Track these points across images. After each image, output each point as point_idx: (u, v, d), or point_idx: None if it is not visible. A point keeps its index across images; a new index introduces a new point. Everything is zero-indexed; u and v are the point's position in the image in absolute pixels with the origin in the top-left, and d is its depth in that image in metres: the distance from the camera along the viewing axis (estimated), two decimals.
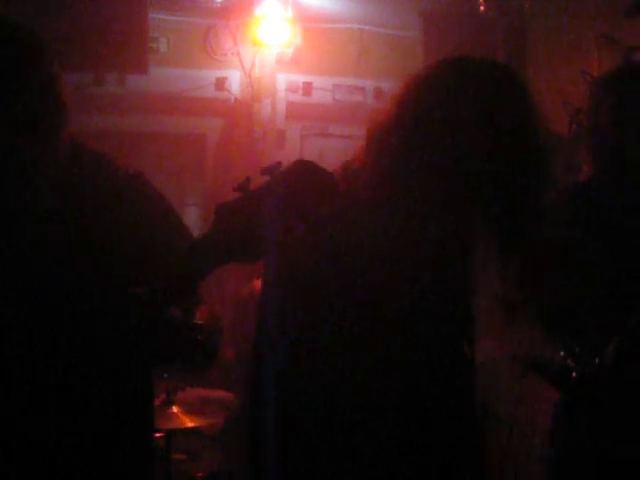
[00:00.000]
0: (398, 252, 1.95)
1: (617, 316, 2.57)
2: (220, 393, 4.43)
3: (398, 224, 1.97)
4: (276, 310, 2.00)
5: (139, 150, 5.67)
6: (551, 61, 5.37)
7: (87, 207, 2.21)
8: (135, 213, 2.29)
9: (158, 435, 3.89)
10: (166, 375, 3.77)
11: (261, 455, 2.05)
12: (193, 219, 5.83)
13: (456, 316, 2.08)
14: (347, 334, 1.97)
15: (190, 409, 4.04)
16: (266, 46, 6.11)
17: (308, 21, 6.21)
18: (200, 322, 2.27)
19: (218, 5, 6.03)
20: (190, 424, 3.96)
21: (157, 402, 3.94)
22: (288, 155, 6.08)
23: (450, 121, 2.00)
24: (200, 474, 4.40)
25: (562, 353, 2.56)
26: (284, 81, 6.32)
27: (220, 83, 6.17)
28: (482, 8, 5.72)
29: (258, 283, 3.65)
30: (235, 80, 6.22)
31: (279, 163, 1.90)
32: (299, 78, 6.34)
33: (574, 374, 2.53)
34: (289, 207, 1.87)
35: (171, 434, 3.98)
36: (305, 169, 1.92)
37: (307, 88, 6.33)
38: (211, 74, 6.16)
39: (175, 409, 4.00)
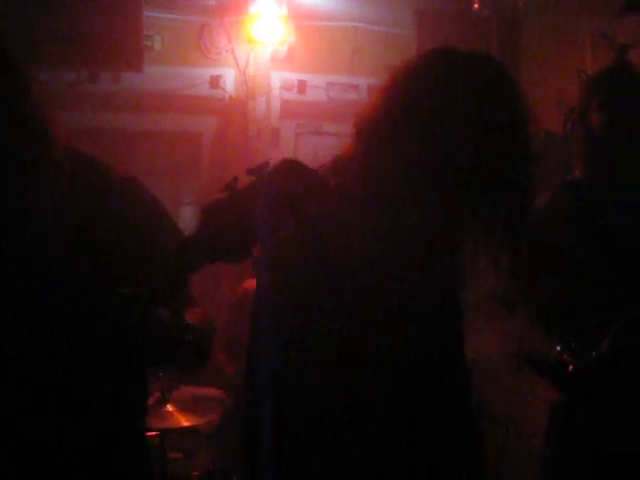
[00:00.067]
0: (386, 251, 1.95)
1: (612, 313, 2.57)
2: (214, 391, 4.44)
3: (386, 221, 1.96)
4: (269, 311, 2.00)
5: (134, 148, 5.67)
6: (545, 59, 5.38)
7: (82, 209, 2.21)
8: (128, 216, 2.29)
9: (153, 434, 3.90)
10: (161, 374, 3.78)
11: (255, 455, 2.05)
12: (188, 218, 5.83)
13: (445, 313, 2.08)
14: (336, 334, 1.97)
15: (184, 407, 4.04)
16: (260, 44, 6.10)
17: (302, 19, 6.20)
18: (191, 322, 2.27)
19: (213, 3, 6.02)
20: (185, 423, 3.97)
21: (152, 401, 3.95)
22: (282, 153, 6.08)
23: (438, 114, 2.00)
24: (196, 473, 4.40)
25: (558, 348, 2.57)
26: (278, 79, 6.32)
27: (215, 81, 6.17)
28: (476, 6, 5.72)
29: (252, 283, 3.66)
30: (230, 78, 6.21)
31: (267, 163, 1.90)
32: (293, 76, 6.33)
33: (570, 368, 2.53)
34: (277, 207, 1.87)
35: (166, 433, 3.98)
36: (292, 168, 1.92)
37: (301, 86, 6.32)
38: (206, 72, 6.15)
39: (170, 408, 4.01)
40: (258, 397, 2.00)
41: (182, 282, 2.26)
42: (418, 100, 2.01)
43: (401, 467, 2.00)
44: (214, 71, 6.17)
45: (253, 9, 6.00)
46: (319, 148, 6.07)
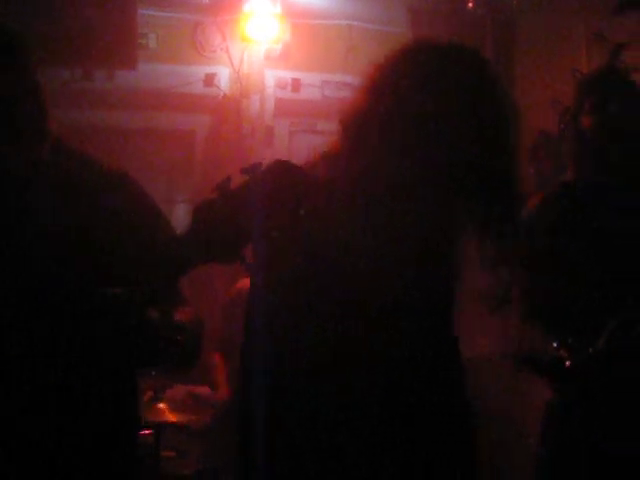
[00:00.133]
0: (379, 247, 1.95)
1: (606, 314, 2.57)
2: (208, 390, 4.44)
3: (377, 218, 1.96)
4: (262, 310, 2.00)
5: (127, 146, 5.65)
6: (540, 58, 5.38)
7: (75, 207, 2.20)
8: (121, 213, 2.28)
9: (147, 432, 3.89)
10: (154, 373, 3.77)
11: (250, 454, 2.04)
12: (182, 216, 5.82)
13: (439, 310, 2.08)
14: (330, 332, 1.97)
15: (177, 406, 4.04)
16: (255, 42, 6.09)
17: (297, 17, 6.19)
18: (181, 322, 2.27)
19: (207, 1, 6.01)
20: (176, 419, 3.97)
21: (145, 399, 3.95)
22: (276, 151, 6.07)
23: (421, 108, 2.00)
24: (189, 471, 4.40)
25: (555, 344, 2.57)
26: (273, 77, 6.31)
27: (209, 79, 6.16)
28: (470, 4, 5.72)
29: (245, 283, 3.65)
30: (224, 76, 6.20)
31: (260, 163, 1.90)
32: (288, 74, 6.32)
33: (567, 364, 2.53)
34: (271, 206, 1.87)
35: (160, 430, 3.98)
36: (285, 169, 1.92)
37: (296, 84, 6.31)
38: (200, 70, 6.14)
39: (162, 406, 4.00)
40: (252, 396, 2.00)
41: (173, 282, 2.26)
42: (401, 95, 2.01)
43: (396, 464, 2.00)
44: (208, 69, 6.16)
45: (247, 7, 5.99)
46: (313, 146, 6.06)
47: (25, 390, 2.14)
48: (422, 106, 1.99)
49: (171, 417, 3.98)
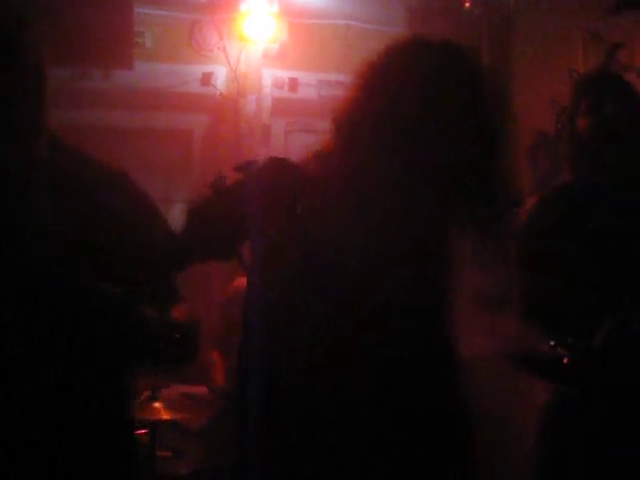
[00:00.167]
0: (373, 247, 1.95)
1: (603, 314, 2.57)
2: (204, 390, 4.43)
3: (371, 217, 1.96)
4: (259, 308, 2.00)
5: (125, 146, 5.64)
6: (536, 58, 5.38)
7: (71, 204, 2.20)
8: (119, 212, 2.27)
9: (142, 432, 3.89)
10: (150, 372, 3.76)
11: (246, 453, 2.04)
12: (179, 215, 5.78)
13: (433, 309, 2.08)
14: (326, 331, 1.97)
15: (174, 405, 4.03)
16: (252, 41, 6.09)
17: (294, 16, 6.19)
18: (178, 321, 2.26)
19: (204, 0, 6.01)
20: (171, 417, 3.97)
21: (141, 398, 3.94)
22: (273, 151, 6.06)
23: (421, 108, 2.00)
24: (185, 471, 4.39)
25: (552, 343, 2.57)
26: (270, 77, 6.30)
27: (206, 78, 6.15)
28: (467, 4, 5.72)
29: (242, 282, 3.65)
30: (221, 76, 6.20)
31: (254, 161, 1.89)
32: (285, 74, 6.32)
33: (565, 360, 2.53)
34: (267, 204, 1.87)
35: (155, 429, 3.97)
36: (280, 166, 1.92)
37: (293, 84, 6.31)
38: (197, 69, 6.14)
39: (158, 405, 4.00)
40: (249, 395, 2.00)
41: (169, 280, 2.26)
42: (392, 93, 2.01)
43: (392, 464, 2.00)
44: (205, 68, 6.16)
45: (244, 6, 5.99)
46: (310, 146, 6.05)
47: (22, 389, 2.14)
48: (413, 104, 1.99)
49: (167, 416, 3.97)
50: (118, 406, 2.33)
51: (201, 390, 4.41)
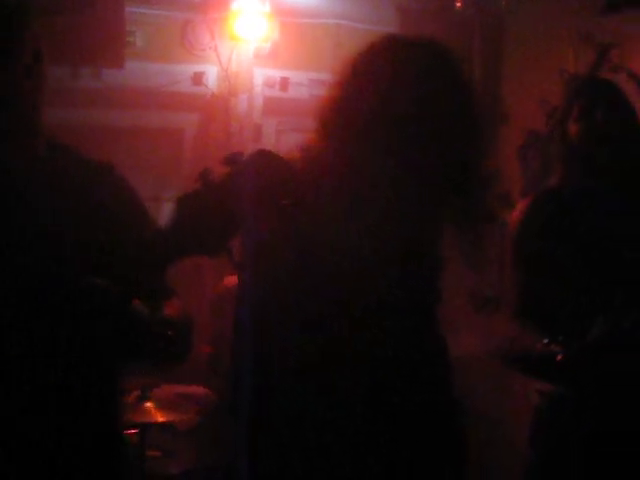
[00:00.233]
0: (367, 246, 1.94)
1: (596, 313, 2.58)
2: (195, 389, 4.42)
3: (367, 217, 1.96)
4: (251, 308, 2.00)
5: (116, 145, 5.63)
6: (528, 58, 5.39)
7: (67, 203, 2.19)
8: (109, 207, 2.27)
9: (132, 431, 3.88)
10: (142, 370, 3.75)
11: (238, 453, 2.04)
12: (170, 214, 5.77)
13: (425, 308, 2.08)
14: (317, 331, 1.97)
15: (165, 405, 4.02)
16: (243, 41, 6.07)
17: (285, 16, 6.18)
18: (170, 317, 2.25)
19: None
20: (162, 419, 3.95)
21: (131, 398, 3.93)
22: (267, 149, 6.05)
23: (401, 106, 2.00)
24: (176, 471, 4.38)
25: (545, 341, 2.57)
26: (261, 76, 6.30)
27: (197, 78, 6.14)
28: (458, 4, 5.72)
29: (234, 279, 3.65)
30: (212, 75, 6.19)
31: (240, 153, 1.89)
32: (276, 73, 6.31)
33: (559, 357, 2.54)
34: (252, 196, 1.86)
35: (145, 430, 3.97)
36: (267, 159, 1.91)
37: (284, 83, 6.30)
38: (188, 69, 6.12)
39: (149, 405, 3.99)
40: (241, 394, 2.00)
41: (159, 275, 2.25)
42: (372, 91, 2.02)
43: (383, 463, 2.00)
44: (197, 68, 6.14)
45: (236, 6, 5.97)
46: (299, 145, 6.04)
47: (15, 387, 2.13)
48: (406, 104, 2.00)
49: (158, 416, 3.96)
50: (108, 405, 2.32)
51: (193, 389, 4.40)
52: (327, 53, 6.24)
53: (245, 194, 1.85)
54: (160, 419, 3.95)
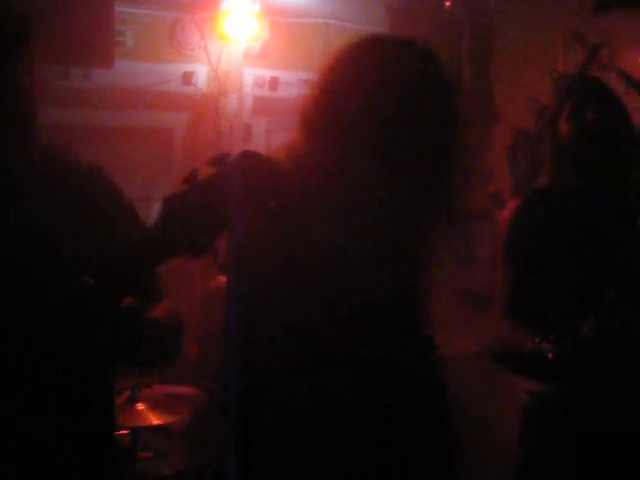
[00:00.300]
0: (352, 246, 1.94)
1: (588, 311, 2.58)
2: (186, 389, 4.42)
3: (353, 218, 1.96)
4: (239, 308, 1.99)
5: (106, 144, 5.63)
6: (517, 57, 5.40)
7: (52, 202, 2.19)
8: (97, 208, 2.27)
9: (124, 432, 3.88)
10: (132, 371, 3.75)
11: (230, 453, 2.04)
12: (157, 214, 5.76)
13: (411, 308, 2.08)
14: (305, 331, 1.97)
15: (156, 406, 4.02)
16: (233, 40, 6.08)
17: (275, 15, 6.18)
18: (160, 318, 2.25)
19: None
20: (156, 421, 3.95)
21: (122, 399, 3.93)
22: (254, 149, 6.04)
23: (380, 104, 2.00)
24: (168, 471, 4.38)
25: (537, 340, 2.58)
26: (251, 75, 6.30)
27: (187, 77, 6.14)
28: (448, 4, 5.73)
29: (223, 278, 3.64)
30: (202, 74, 6.19)
31: (227, 154, 1.88)
32: (266, 73, 6.31)
33: (550, 356, 2.54)
34: (239, 198, 1.86)
35: (137, 431, 3.96)
36: (253, 160, 1.91)
37: (273, 83, 6.30)
38: (178, 68, 6.12)
39: (141, 406, 3.98)
40: (232, 394, 1.99)
41: (150, 276, 2.24)
42: (352, 90, 2.02)
43: (371, 464, 2.00)
44: (186, 67, 6.14)
45: (225, 5, 5.97)
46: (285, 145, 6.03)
47: (6, 388, 2.13)
48: (377, 102, 2.00)
49: (149, 417, 3.96)
50: (98, 405, 2.32)
51: (183, 390, 4.40)
52: (317, 53, 6.24)
53: (231, 195, 1.84)
54: (154, 422, 3.94)
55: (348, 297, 1.95)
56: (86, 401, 2.25)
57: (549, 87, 4.65)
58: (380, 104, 2.00)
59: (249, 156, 1.91)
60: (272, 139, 6.35)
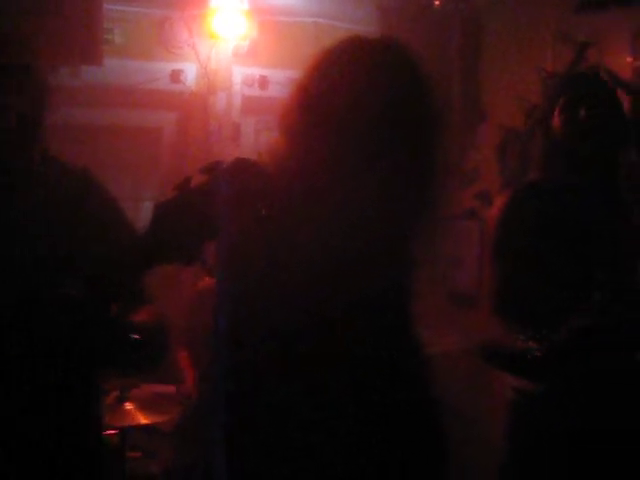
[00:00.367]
0: (340, 247, 1.94)
1: (577, 308, 2.59)
2: (174, 389, 4.42)
3: (341, 218, 1.96)
4: (228, 310, 1.99)
5: (93, 143, 5.62)
6: (506, 56, 5.40)
7: (57, 214, 2.20)
8: (86, 208, 2.27)
9: (112, 432, 3.87)
10: (119, 373, 3.75)
11: (215, 453, 2.03)
12: (148, 213, 5.75)
13: (402, 308, 2.09)
14: (296, 333, 1.97)
15: (144, 405, 4.02)
16: (222, 39, 6.07)
17: (264, 14, 6.17)
18: (145, 322, 2.25)
19: None
20: (144, 421, 3.95)
21: (110, 399, 3.92)
22: (243, 149, 6.05)
23: (362, 105, 2.00)
24: (156, 471, 4.38)
25: (523, 337, 2.58)
26: (240, 74, 6.29)
27: (176, 75, 6.13)
28: (437, 3, 5.73)
29: (211, 280, 3.62)
30: (191, 73, 6.18)
31: (219, 162, 1.89)
32: (255, 71, 6.30)
33: (537, 354, 2.54)
34: (230, 206, 1.86)
35: (125, 431, 3.96)
36: (245, 168, 1.91)
37: (262, 81, 6.30)
38: (167, 66, 6.11)
39: (129, 406, 3.98)
40: (219, 396, 1.99)
41: (136, 280, 2.24)
42: (332, 92, 2.02)
43: (361, 463, 2.00)
44: (175, 65, 6.13)
45: (214, 3, 5.96)
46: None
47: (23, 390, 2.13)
48: (359, 103, 2.00)
49: (137, 417, 3.95)
50: (85, 407, 2.32)
51: (172, 390, 4.40)
52: (306, 51, 6.21)
53: (222, 203, 1.84)
54: (143, 421, 3.94)
55: (337, 298, 1.95)
56: (73, 401, 2.25)
57: (537, 86, 4.66)
58: (360, 105, 2.00)
59: (241, 163, 1.91)
60: (261, 138, 6.34)
